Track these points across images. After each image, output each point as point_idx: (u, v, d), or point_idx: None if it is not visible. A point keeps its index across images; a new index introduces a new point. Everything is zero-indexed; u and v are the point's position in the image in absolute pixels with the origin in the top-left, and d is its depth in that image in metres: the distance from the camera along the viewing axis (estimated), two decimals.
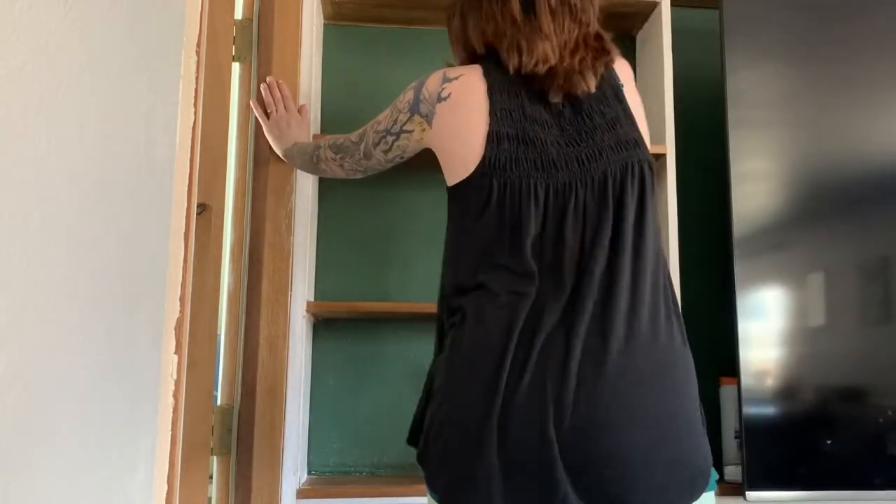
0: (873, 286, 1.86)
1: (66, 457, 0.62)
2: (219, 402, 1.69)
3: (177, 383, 0.83)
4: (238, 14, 1.81)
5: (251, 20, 1.82)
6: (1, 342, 0.51)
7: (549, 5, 1.28)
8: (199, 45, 0.89)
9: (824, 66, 1.92)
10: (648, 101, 2.06)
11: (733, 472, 1.82)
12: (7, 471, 0.52)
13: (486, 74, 1.25)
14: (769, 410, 1.79)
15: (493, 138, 1.19)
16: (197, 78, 0.88)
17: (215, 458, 1.66)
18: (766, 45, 1.93)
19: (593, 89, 1.23)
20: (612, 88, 1.27)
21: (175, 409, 0.83)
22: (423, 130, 1.30)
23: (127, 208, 0.74)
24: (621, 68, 1.32)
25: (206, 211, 1.60)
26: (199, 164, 0.90)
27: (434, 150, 1.31)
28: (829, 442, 1.77)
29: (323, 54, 2.08)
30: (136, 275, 0.77)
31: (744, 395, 1.74)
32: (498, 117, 1.20)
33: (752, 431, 1.73)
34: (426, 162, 2.00)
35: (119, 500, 0.73)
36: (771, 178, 1.92)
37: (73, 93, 0.61)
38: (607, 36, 1.34)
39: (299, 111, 1.75)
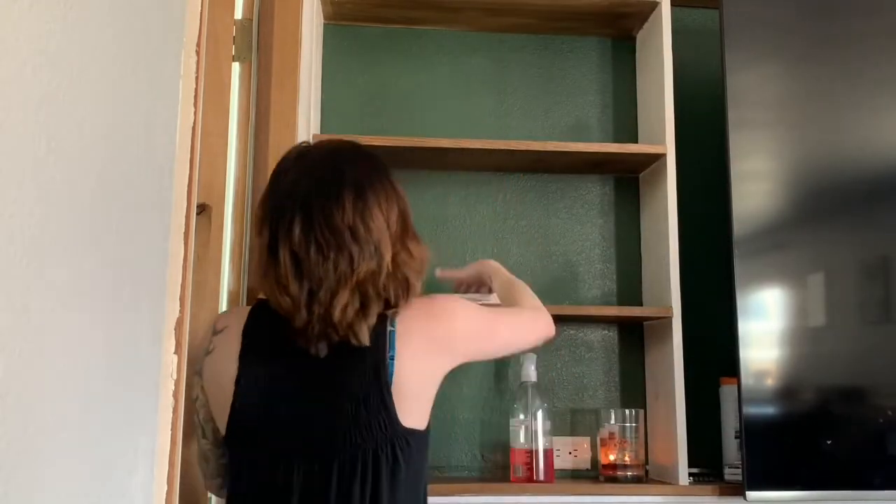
0: (873, 286, 1.86)
1: (66, 457, 0.62)
2: None
3: (177, 383, 0.83)
4: (238, 14, 1.81)
5: (251, 20, 1.82)
6: (1, 342, 0.51)
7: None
8: (199, 45, 0.89)
9: (824, 66, 1.92)
10: (648, 101, 2.06)
11: (733, 472, 1.82)
12: (7, 471, 0.52)
13: None
14: (769, 410, 1.79)
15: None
16: (197, 78, 0.88)
17: None
18: (766, 45, 1.93)
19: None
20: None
21: (175, 409, 0.83)
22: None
23: (127, 208, 0.74)
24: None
25: (206, 211, 1.60)
26: (199, 164, 0.90)
27: None
28: (829, 442, 1.77)
29: (323, 54, 2.08)
30: (136, 275, 0.77)
31: (744, 395, 1.74)
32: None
33: (752, 431, 1.73)
34: (426, 162, 2.00)
35: (119, 500, 0.73)
36: (771, 178, 1.92)
37: (73, 93, 0.61)
38: None
39: None
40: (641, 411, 1.91)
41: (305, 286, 1.16)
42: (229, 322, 1.26)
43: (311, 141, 1.84)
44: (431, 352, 1.21)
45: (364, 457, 1.14)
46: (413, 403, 1.18)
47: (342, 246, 1.16)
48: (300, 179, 1.22)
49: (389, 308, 1.19)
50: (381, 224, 1.19)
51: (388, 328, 1.18)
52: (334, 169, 1.23)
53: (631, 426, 1.86)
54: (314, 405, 1.17)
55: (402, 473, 1.16)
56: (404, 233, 1.23)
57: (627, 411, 1.88)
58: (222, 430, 1.23)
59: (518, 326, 1.39)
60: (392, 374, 1.16)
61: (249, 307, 1.28)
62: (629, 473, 1.83)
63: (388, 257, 1.18)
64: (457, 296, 1.41)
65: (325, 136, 1.90)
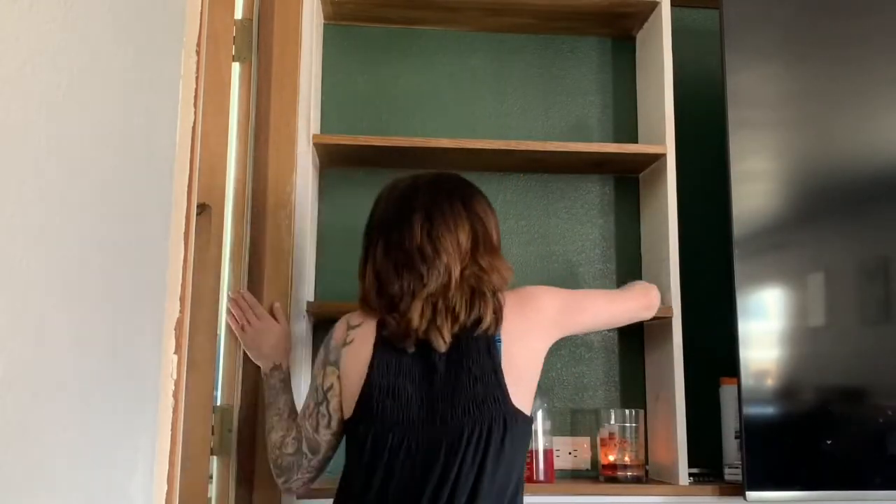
0: (873, 286, 1.86)
1: (66, 457, 0.62)
2: (219, 402, 1.69)
3: (177, 383, 0.83)
4: (238, 14, 1.81)
5: (251, 20, 1.82)
6: (1, 342, 0.51)
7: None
8: (199, 45, 0.89)
9: (824, 66, 1.92)
10: (648, 101, 2.06)
11: (733, 472, 1.82)
12: (7, 470, 0.52)
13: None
14: (769, 410, 1.79)
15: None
16: (197, 78, 0.88)
17: (215, 458, 1.66)
18: (766, 45, 1.93)
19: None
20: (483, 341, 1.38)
21: (175, 409, 0.83)
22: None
23: (127, 208, 0.74)
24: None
25: (206, 211, 1.60)
26: (199, 164, 0.90)
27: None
28: (829, 442, 1.77)
29: (323, 54, 2.08)
30: (136, 275, 0.77)
31: (744, 395, 1.74)
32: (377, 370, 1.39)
33: (752, 431, 1.73)
34: (426, 162, 2.00)
35: (119, 499, 0.73)
36: (771, 178, 1.92)
37: (73, 93, 0.61)
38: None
39: (273, 314, 1.69)
40: (641, 411, 1.91)
41: (385, 300, 1.39)
42: (363, 319, 1.44)
43: (311, 141, 1.84)
44: (527, 332, 1.41)
45: (480, 429, 1.31)
46: (519, 384, 1.36)
47: (413, 265, 1.37)
48: (387, 209, 1.45)
49: (458, 318, 1.36)
50: (449, 244, 1.38)
51: (492, 332, 1.38)
52: (409, 197, 1.43)
53: (631, 426, 1.86)
54: (438, 387, 1.35)
55: (507, 449, 1.32)
56: (475, 250, 1.41)
57: (627, 411, 1.88)
58: (346, 414, 1.40)
59: (611, 298, 1.65)
60: (501, 353, 1.36)
61: (377, 316, 1.43)
62: (629, 474, 1.83)
63: (456, 273, 1.37)
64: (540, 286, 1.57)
65: (325, 136, 1.90)
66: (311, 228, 1.90)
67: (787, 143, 1.91)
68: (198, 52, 0.89)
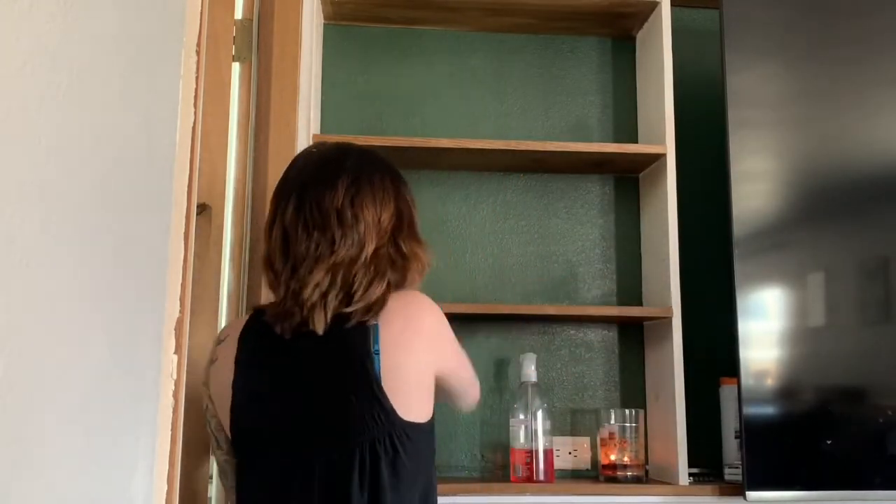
0: (873, 286, 1.86)
1: (66, 456, 0.62)
2: None
3: (177, 383, 0.83)
4: (238, 14, 1.81)
5: (251, 20, 1.82)
6: (1, 342, 0.51)
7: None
8: (199, 45, 0.89)
9: (824, 66, 1.92)
10: (648, 101, 2.06)
11: (733, 472, 1.82)
12: (7, 470, 0.52)
13: None
14: (769, 410, 1.79)
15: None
16: (197, 78, 0.88)
17: (215, 458, 1.66)
18: (766, 45, 1.93)
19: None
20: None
21: (175, 409, 0.83)
22: None
23: (127, 208, 0.74)
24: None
25: (206, 211, 1.60)
26: (199, 164, 0.90)
27: None
28: (829, 442, 1.77)
29: (323, 54, 2.08)
30: (136, 275, 0.77)
31: (744, 395, 1.74)
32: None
33: (752, 431, 1.73)
34: (426, 162, 2.00)
35: (119, 499, 0.73)
36: (771, 178, 1.92)
37: (73, 93, 0.61)
38: None
39: None
40: (641, 411, 1.91)
41: (290, 262, 1.23)
42: (229, 332, 1.30)
43: (311, 141, 1.84)
44: (413, 345, 1.21)
45: (361, 449, 1.15)
46: (409, 395, 1.18)
47: (327, 227, 1.21)
48: (305, 167, 1.31)
49: (352, 299, 1.19)
50: (370, 217, 1.23)
51: (372, 322, 1.19)
52: (337, 160, 1.29)
53: (631, 426, 1.86)
54: (306, 402, 1.19)
55: (403, 467, 1.16)
56: (397, 231, 1.26)
57: (627, 411, 1.88)
58: (228, 434, 1.26)
59: (469, 376, 1.39)
60: (379, 368, 1.16)
61: (248, 315, 1.31)
62: (629, 473, 1.83)
63: (369, 249, 1.22)
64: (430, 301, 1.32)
65: (325, 137, 1.90)
66: None
67: (787, 143, 1.91)
68: (198, 52, 0.89)
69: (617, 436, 1.86)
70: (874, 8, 1.95)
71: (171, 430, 0.82)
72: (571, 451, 1.97)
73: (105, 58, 0.69)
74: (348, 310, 1.18)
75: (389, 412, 1.16)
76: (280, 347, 1.22)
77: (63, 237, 0.60)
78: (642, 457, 1.87)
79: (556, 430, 1.95)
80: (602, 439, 1.89)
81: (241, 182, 1.75)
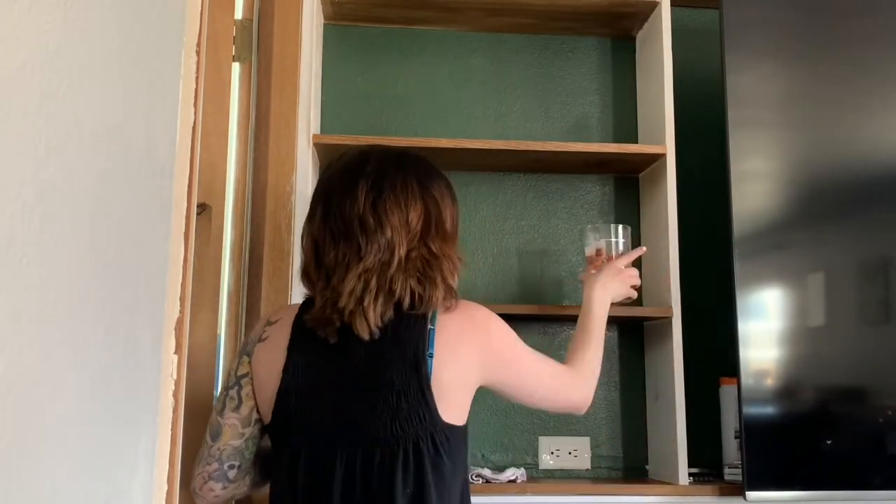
0: (873, 286, 1.86)
1: (66, 457, 0.62)
2: None
3: (177, 383, 0.83)
4: (238, 14, 1.81)
5: (251, 20, 1.82)
6: (1, 342, 0.51)
7: None
8: (199, 45, 0.89)
9: (824, 66, 1.92)
10: (648, 101, 2.06)
11: (733, 472, 1.82)
12: (7, 471, 0.52)
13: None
14: (769, 410, 1.79)
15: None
16: (197, 78, 0.88)
17: None
18: (766, 45, 1.93)
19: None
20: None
21: (175, 409, 0.83)
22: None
23: (127, 208, 0.74)
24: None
25: (206, 211, 1.60)
26: (199, 164, 0.90)
27: None
28: (829, 442, 1.77)
29: (323, 54, 2.08)
30: (136, 275, 0.77)
31: (744, 395, 1.74)
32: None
33: (752, 431, 1.73)
34: None
35: (119, 500, 0.73)
36: (771, 178, 1.92)
37: (73, 93, 0.61)
38: None
39: None
40: (629, 227, 1.80)
41: (323, 272, 1.27)
42: (282, 315, 1.33)
43: (311, 141, 1.84)
44: (470, 354, 1.25)
45: (405, 447, 1.18)
46: (451, 400, 1.22)
47: (351, 235, 1.24)
48: (331, 176, 1.33)
49: (398, 302, 1.23)
50: (396, 220, 1.25)
51: (429, 326, 1.23)
52: (357, 166, 1.31)
53: (616, 241, 1.75)
54: (356, 395, 1.22)
55: (445, 466, 1.20)
56: (426, 232, 1.28)
57: (613, 227, 1.77)
58: (265, 418, 1.28)
59: (552, 386, 1.40)
60: (431, 371, 1.21)
61: (302, 302, 1.34)
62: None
63: (400, 252, 1.24)
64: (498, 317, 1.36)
65: (325, 136, 1.90)
66: None
67: (787, 143, 1.91)
68: (198, 52, 0.89)
69: (605, 253, 1.75)
70: (874, 8, 1.95)
71: (171, 429, 0.82)
72: (571, 451, 1.97)
73: (105, 58, 0.69)
74: (400, 312, 1.23)
75: (434, 413, 1.20)
76: (331, 342, 1.24)
77: (63, 237, 0.60)
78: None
79: (555, 430, 1.95)
80: (589, 258, 1.79)
81: (241, 182, 1.75)
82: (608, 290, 1.59)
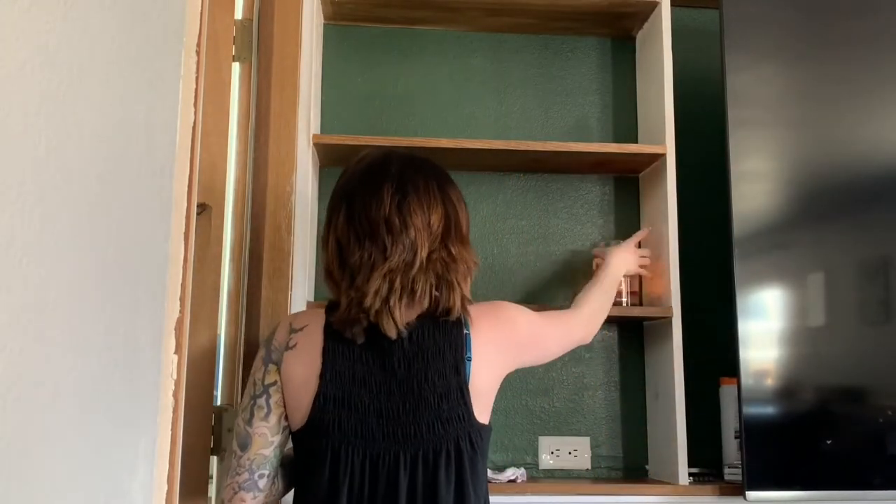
0: (873, 286, 1.86)
1: (67, 457, 0.62)
2: (219, 402, 1.69)
3: (177, 383, 0.83)
4: (238, 14, 1.81)
5: (251, 20, 1.82)
6: (1, 342, 0.51)
7: None
8: (199, 45, 0.89)
9: (824, 66, 1.92)
10: (648, 101, 2.06)
11: (733, 472, 1.82)
12: (7, 471, 0.52)
13: None
14: (769, 410, 1.79)
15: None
16: (197, 78, 0.88)
17: (215, 458, 1.66)
18: (766, 45, 1.93)
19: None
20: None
21: (175, 409, 0.83)
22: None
23: (127, 208, 0.74)
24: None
25: (206, 211, 1.60)
26: (199, 164, 0.90)
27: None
28: (829, 442, 1.77)
29: (323, 54, 2.08)
30: (136, 275, 0.77)
31: (744, 395, 1.74)
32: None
33: (752, 431, 1.73)
34: None
35: (119, 500, 0.73)
36: (771, 178, 1.92)
37: (73, 93, 0.61)
38: None
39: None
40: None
41: (347, 272, 1.29)
42: (308, 321, 1.34)
43: (311, 141, 1.84)
44: (500, 355, 1.34)
45: (447, 447, 1.24)
46: (482, 400, 1.29)
47: (377, 235, 1.27)
48: (352, 177, 1.36)
49: (422, 304, 1.28)
50: (419, 221, 1.29)
51: (465, 331, 1.30)
52: (381, 167, 1.34)
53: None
54: (397, 397, 1.26)
55: (479, 464, 1.27)
56: (446, 235, 1.32)
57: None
58: (294, 425, 1.30)
59: (562, 336, 1.53)
60: (469, 374, 1.27)
61: (323, 307, 1.35)
62: (622, 300, 1.89)
63: (423, 254, 1.28)
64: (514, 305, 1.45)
65: (325, 136, 1.90)
66: (311, 228, 1.90)
67: (787, 143, 1.91)
68: (198, 52, 0.89)
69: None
70: (874, 8, 1.95)
71: (171, 429, 0.82)
72: (571, 451, 1.97)
73: (105, 58, 0.69)
74: (429, 316, 1.28)
75: (471, 413, 1.27)
76: (367, 346, 1.28)
77: (63, 237, 0.60)
78: (636, 286, 1.93)
79: (555, 429, 1.95)
80: (597, 264, 1.88)
81: (241, 182, 1.75)
82: (625, 261, 1.76)
